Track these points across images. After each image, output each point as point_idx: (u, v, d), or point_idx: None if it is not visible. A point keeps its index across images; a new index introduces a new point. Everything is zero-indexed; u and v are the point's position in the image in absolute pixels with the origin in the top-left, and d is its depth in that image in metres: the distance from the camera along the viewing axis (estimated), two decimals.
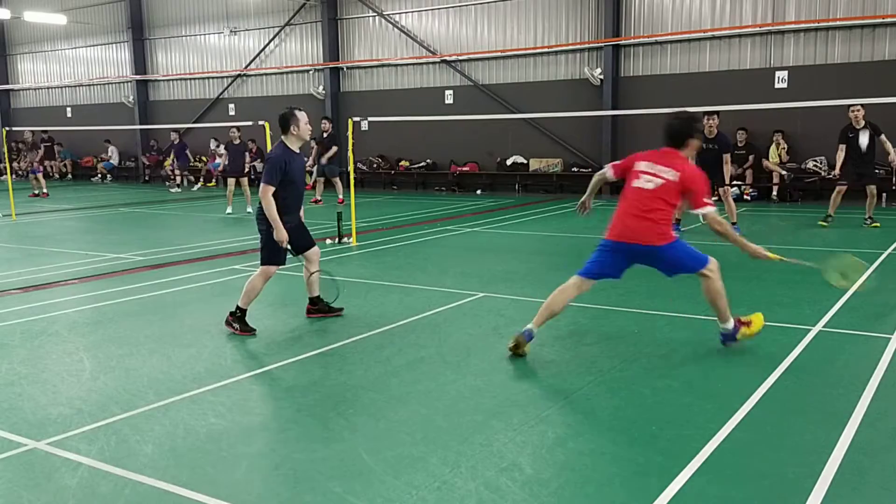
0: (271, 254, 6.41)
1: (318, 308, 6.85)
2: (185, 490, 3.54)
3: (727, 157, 11.44)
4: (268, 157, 6.39)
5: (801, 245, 10.64)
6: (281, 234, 6.22)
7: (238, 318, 6.34)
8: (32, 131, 23.28)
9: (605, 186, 18.12)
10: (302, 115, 6.54)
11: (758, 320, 5.67)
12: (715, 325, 6.33)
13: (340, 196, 16.88)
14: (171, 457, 3.92)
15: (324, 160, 16.85)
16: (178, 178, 23.46)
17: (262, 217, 6.29)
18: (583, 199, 6.27)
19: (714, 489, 3.47)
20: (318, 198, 17.64)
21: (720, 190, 11.81)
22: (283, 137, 6.48)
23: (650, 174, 5.48)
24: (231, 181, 16.03)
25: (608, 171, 5.90)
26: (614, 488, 3.51)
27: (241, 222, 14.68)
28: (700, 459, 3.75)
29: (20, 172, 29.45)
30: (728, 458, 3.78)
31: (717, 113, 11.60)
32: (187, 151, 23.47)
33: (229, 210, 16.02)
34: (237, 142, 15.84)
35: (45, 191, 21.24)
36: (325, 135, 17.12)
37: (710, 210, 5.42)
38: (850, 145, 12.12)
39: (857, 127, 12.08)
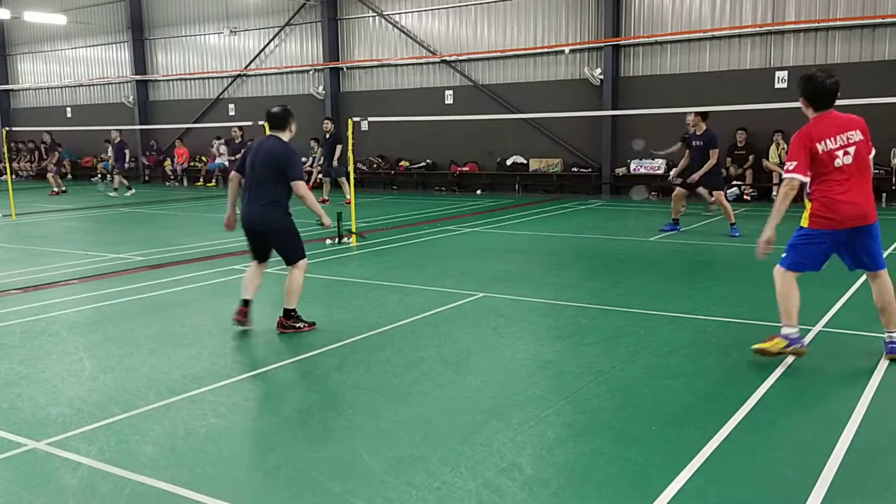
0: (301, 246, 6.45)
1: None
2: (185, 490, 3.54)
3: (713, 152, 11.40)
4: (291, 152, 6.38)
5: None
6: (328, 220, 6.46)
7: (297, 318, 6.40)
8: (50, 132, 23.39)
9: (607, 186, 18.09)
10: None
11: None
12: (714, 324, 6.34)
13: (348, 196, 16.91)
14: (171, 457, 3.92)
15: (335, 161, 16.91)
16: (116, 181, 22.58)
17: (285, 214, 6.31)
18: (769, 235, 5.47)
19: (714, 489, 3.47)
20: (326, 197, 17.72)
21: (714, 193, 11.80)
22: (278, 133, 6.55)
23: (844, 146, 5.18)
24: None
25: (798, 177, 5.20)
26: (614, 488, 3.51)
27: None
28: (700, 459, 3.75)
29: (20, 173, 29.49)
30: (728, 458, 3.78)
31: (707, 113, 11.65)
32: (126, 152, 22.46)
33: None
34: (238, 141, 15.84)
35: (63, 188, 22.44)
36: (327, 135, 17.13)
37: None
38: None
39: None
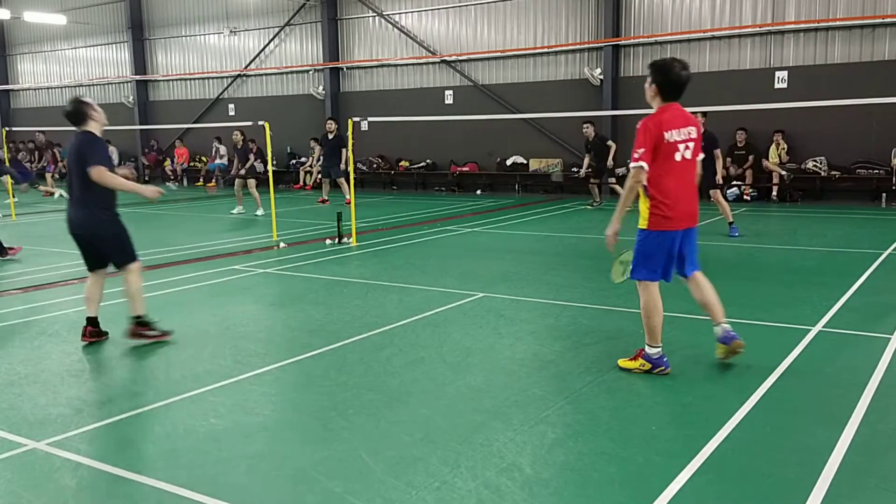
0: (131, 249, 6.09)
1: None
2: (184, 490, 3.54)
3: (717, 152, 11.49)
4: (91, 141, 6.00)
5: (802, 245, 10.65)
6: (151, 190, 5.97)
7: (148, 325, 6.06)
8: (42, 132, 23.11)
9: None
10: (91, 100, 6.23)
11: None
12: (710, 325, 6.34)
13: (348, 197, 16.90)
14: (171, 457, 3.92)
15: (342, 165, 16.91)
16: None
17: (111, 217, 5.96)
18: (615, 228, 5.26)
19: (714, 489, 3.47)
20: (325, 197, 17.71)
21: (710, 192, 11.71)
22: (84, 128, 6.09)
23: (685, 140, 4.95)
24: (238, 182, 16.04)
25: (645, 165, 4.88)
26: (614, 488, 3.51)
27: (243, 223, 14.68)
28: (700, 459, 3.75)
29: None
30: (728, 458, 3.78)
31: (705, 113, 11.81)
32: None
33: (240, 209, 15.98)
34: (240, 145, 15.90)
35: (52, 190, 21.86)
36: (330, 136, 17.11)
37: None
38: None
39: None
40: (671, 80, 5.01)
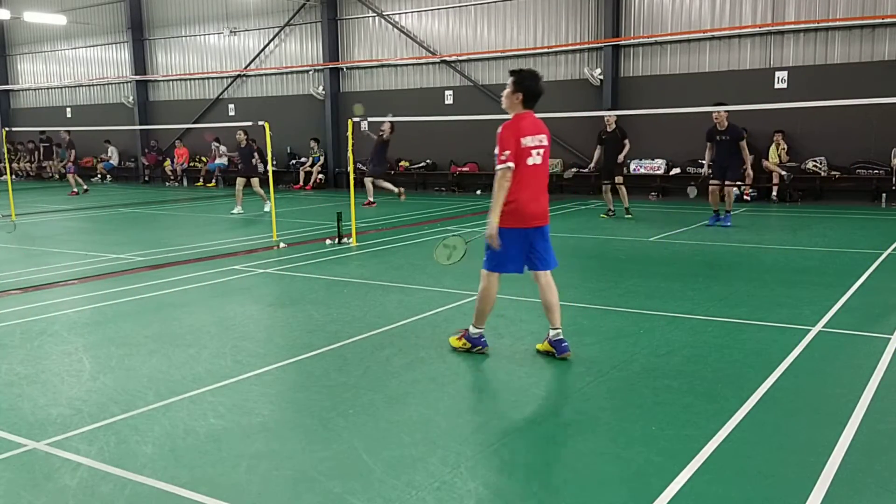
0: None
1: None
2: (184, 490, 3.54)
3: (743, 144, 12.25)
4: None
5: (802, 245, 10.65)
6: None
7: None
8: (69, 131, 23.00)
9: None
10: None
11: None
12: (712, 325, 6.35)
13: (371, 198, 17.28)
14: (171, 457, 3.92)
15: (375, 166, 17.08)
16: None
17: None
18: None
19: (714, 489, 3.47)
20: (371, 199, 17.47)
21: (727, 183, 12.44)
22: None
23: (537, 147, 5.34)
24: (240, 181, 16.12)
25: (512, 165, 5.24)
26: (614, 488, 3.51)
27: (243, 223, 14.68)
28: (700, 459, 3.75)
29: (20, 173, 29.50)
30: (728, 458, 3.78)
31: (724, 105, 12.41)
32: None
33: (239, 209, 16.04)
34: (244, 144, 15.98)
35: (85, 188, 22.35)
36: (383, 135, 17.10)
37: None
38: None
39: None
40: (535, 90, 5.35)
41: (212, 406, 4.64)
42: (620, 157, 13.72)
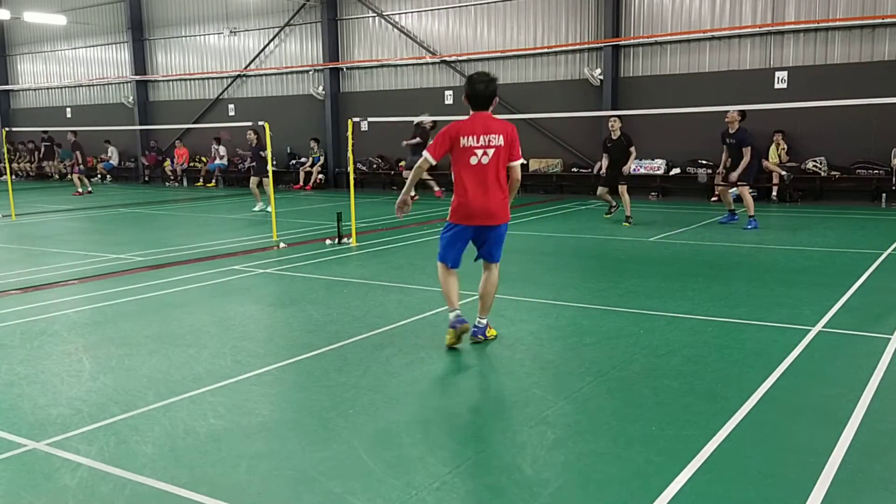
0: None
1: None
2: (184, 490, 3.54)
3: (746, 150, 12.18)
4: None
5: (802, 245, 10.65)
6: None
7: None
8: (75, 132, 23.01)
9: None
10: None
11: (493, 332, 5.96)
12: (712, 325, 6.35)
13: (437, 188, 17.77)
14: (171, 457, 3.92)
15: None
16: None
17: None
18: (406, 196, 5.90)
19: (714, 489, 3.47)
20: (436, 188, 17.83)
21: (738, 186, 12.54)
22: None
23: (484, 146, 5.45)
24: (254, 180, 16.49)
25: (428, 156, 5.61)
26: (614, 488, 3.51)
27: (243, 223, 14.68)
28: (700, 459, 3.75)
29: (20, 173, 29.51)
30: (728, 458, 3.78)
31: (743, 112, 12.48)
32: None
33: (260, 205, 16.32)
34: (255, 144, 16.19)
35: (89, 189, 22.32)
36: (429, 128, 17.27)
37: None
38: None
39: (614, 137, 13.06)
40: (475, 93, 5.53)
41: (212, 406, 4.64)
42: (626, 169, 13.07)
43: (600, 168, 13.63)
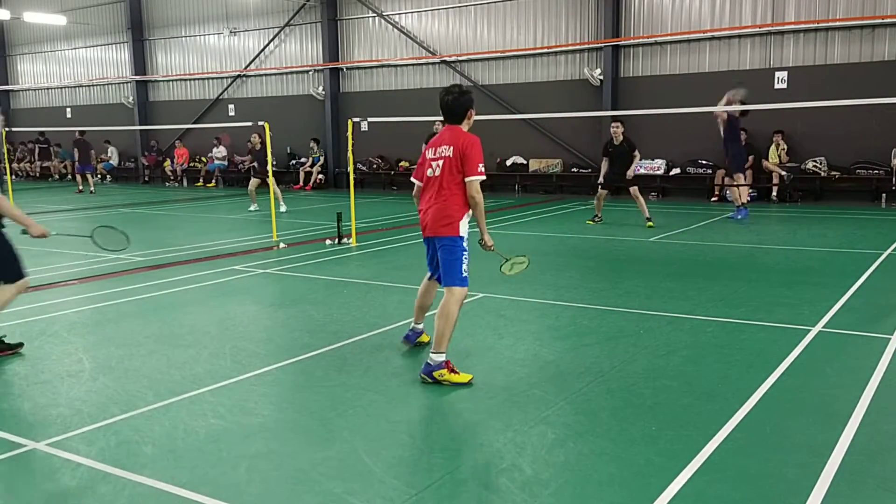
0: (12, 265, 5.84)
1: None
2: (184, 491, 3.54)
3: (738, 134, 13.44)
4: None
5: (802, 245, 10.65)
6: (38, 229, 5.78)
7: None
8: (82, 132, 23.24)
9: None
10: None
11: (465, 378, 5.03)
12: (713, 325, 6.35)
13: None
14: (171, 457, 3.92)
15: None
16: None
17: None
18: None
19: (714, 489, 3.47)
20: None
21: (735, 175, 13.51)
22: None
23: (436, 158, 5.33)
24: (254, 182, 16.71)
25: (414, 181, 5.56)
26: (614, 488, 3.51)
27: (243, 223, 14.68)
28: (700, 459, 3.75)
29: (20, 173, 29.50)
30: (728, 458, 3.78)
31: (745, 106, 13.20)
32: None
33: (284, 207, 16.29)
34: (259, 147, 16.29)
35: (91, 189, 22.50)
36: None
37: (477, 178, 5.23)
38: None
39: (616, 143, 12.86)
40: (441, 106, 5.36)
41: (212, 406, 4.64)
42: (629, 173, 12.61)
43: (605, 175, 13.05)
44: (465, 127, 5.33)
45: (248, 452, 3.97)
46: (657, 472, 3.62)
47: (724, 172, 14.10)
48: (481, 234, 5.49)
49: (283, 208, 16.28)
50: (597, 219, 13.29)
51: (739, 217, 13.04)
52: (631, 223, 12.97)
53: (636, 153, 12.82)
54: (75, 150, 22.67)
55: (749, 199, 16.24)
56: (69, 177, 29.00)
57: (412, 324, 5.93)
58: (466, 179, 5.19)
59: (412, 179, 5.58)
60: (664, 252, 10.33)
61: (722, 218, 13.58)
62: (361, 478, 3.64)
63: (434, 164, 5.29)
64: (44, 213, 17.17)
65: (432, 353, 5.06)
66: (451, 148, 5.19)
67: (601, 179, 13.17)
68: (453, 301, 5.16)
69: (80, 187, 22.65)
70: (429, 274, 5.75)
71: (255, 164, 16.94)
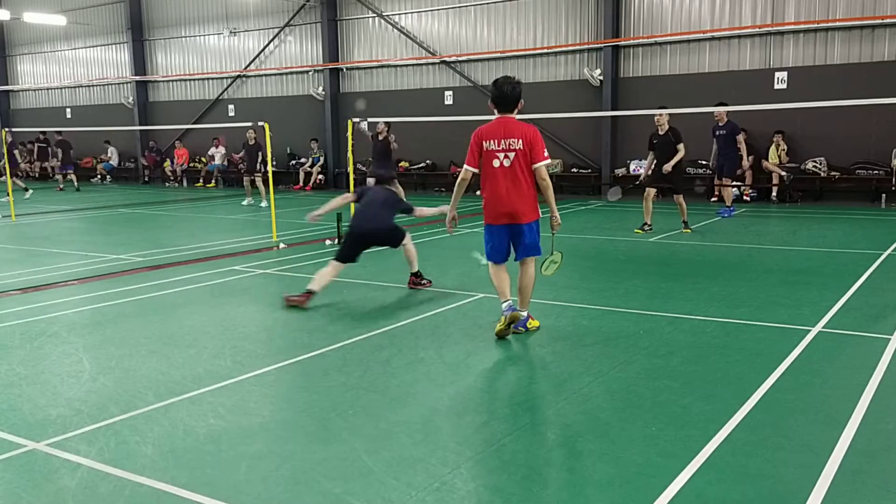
0: None
1: None
2: (184, 491, 3.54)
3: (740, 137, 13.75)
4: None
5: (802, 245, 10.65)
6: None
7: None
8: (59, 132, 24.07)
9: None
10: None
11: (537, 323, 6.24)
12: (712, 326, 6.35)
13: None
14: (171, 458, 3.92)
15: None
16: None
17: None
18: (451, 213, 6.36)
19: (714, 489, 3.47)
20: None
21: (724, 179, 14.03)
22: None
23: (505, 150, 5.75)
24: (247, 179, 17.27)
25: (469, 168, 5.93)
26: (614, 488, 3.51)
27: (243, 223, 14.68)
28: (700, 459, 3.75)
29: (19, 173, 29.46)
30: (728, 458, 3.77)
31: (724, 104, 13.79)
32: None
33: (250, 200, 17.58)
34: (252, 142, 16.34)
35: (76, 187, 23.72)
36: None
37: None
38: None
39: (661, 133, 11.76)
40: (497, 95, 5.81)
41: (211, 407, 4.64)
42: (668, 167, 11.39)
43: (650, 168, 12.00)
44: (515, 115, 5.81)
45: (248, 453, 3.97)
46: (657, 472, 3.62)
47: (717, 174, 14.74)
48: (551, 212, 6.11)
49: (263, 203, 16.87)
50: (646, 227, 11.81)
51: (726, 215, 13.70)
52: (631, 223, 12.96)
53: (680, 146, 11.46)
54: (59, 150, 23.36)
55: (748, 199, 16.31)
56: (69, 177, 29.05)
57: (505, 301, 5.98)
58: (535, 165, 5.75)
59: (466, 167, 5.88)
60: (664, 252, 10.33)
61: (721, 218, 13.59)
62: (361, 478, 3.64)
63: (502, 154, 5.71)
64: (44, 213, 17.17)
65: (521, 310, 6.01)
66: (521, 140, 5.68)
67: (643, 177, 12.06)
68: (534, 267, 6.09)
69: (62, 185, 23.73)
70: (495, 261, 6.07)
71: (246, 160, 17.42)
